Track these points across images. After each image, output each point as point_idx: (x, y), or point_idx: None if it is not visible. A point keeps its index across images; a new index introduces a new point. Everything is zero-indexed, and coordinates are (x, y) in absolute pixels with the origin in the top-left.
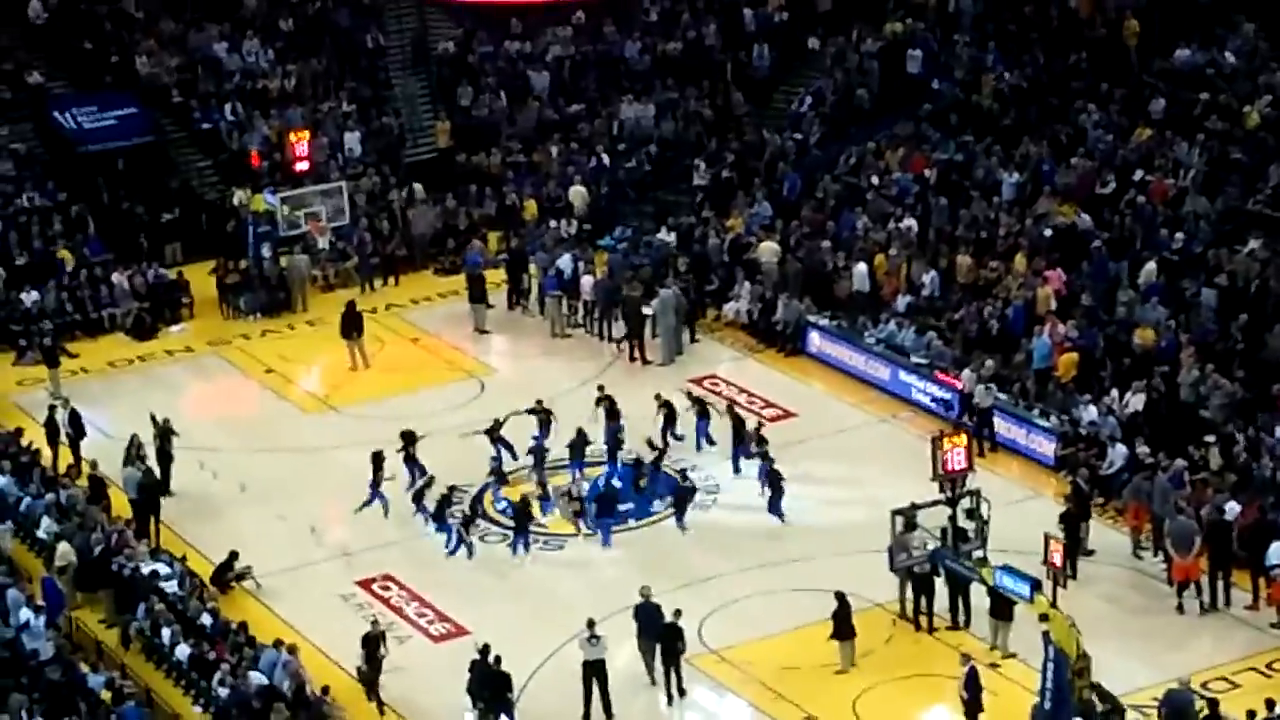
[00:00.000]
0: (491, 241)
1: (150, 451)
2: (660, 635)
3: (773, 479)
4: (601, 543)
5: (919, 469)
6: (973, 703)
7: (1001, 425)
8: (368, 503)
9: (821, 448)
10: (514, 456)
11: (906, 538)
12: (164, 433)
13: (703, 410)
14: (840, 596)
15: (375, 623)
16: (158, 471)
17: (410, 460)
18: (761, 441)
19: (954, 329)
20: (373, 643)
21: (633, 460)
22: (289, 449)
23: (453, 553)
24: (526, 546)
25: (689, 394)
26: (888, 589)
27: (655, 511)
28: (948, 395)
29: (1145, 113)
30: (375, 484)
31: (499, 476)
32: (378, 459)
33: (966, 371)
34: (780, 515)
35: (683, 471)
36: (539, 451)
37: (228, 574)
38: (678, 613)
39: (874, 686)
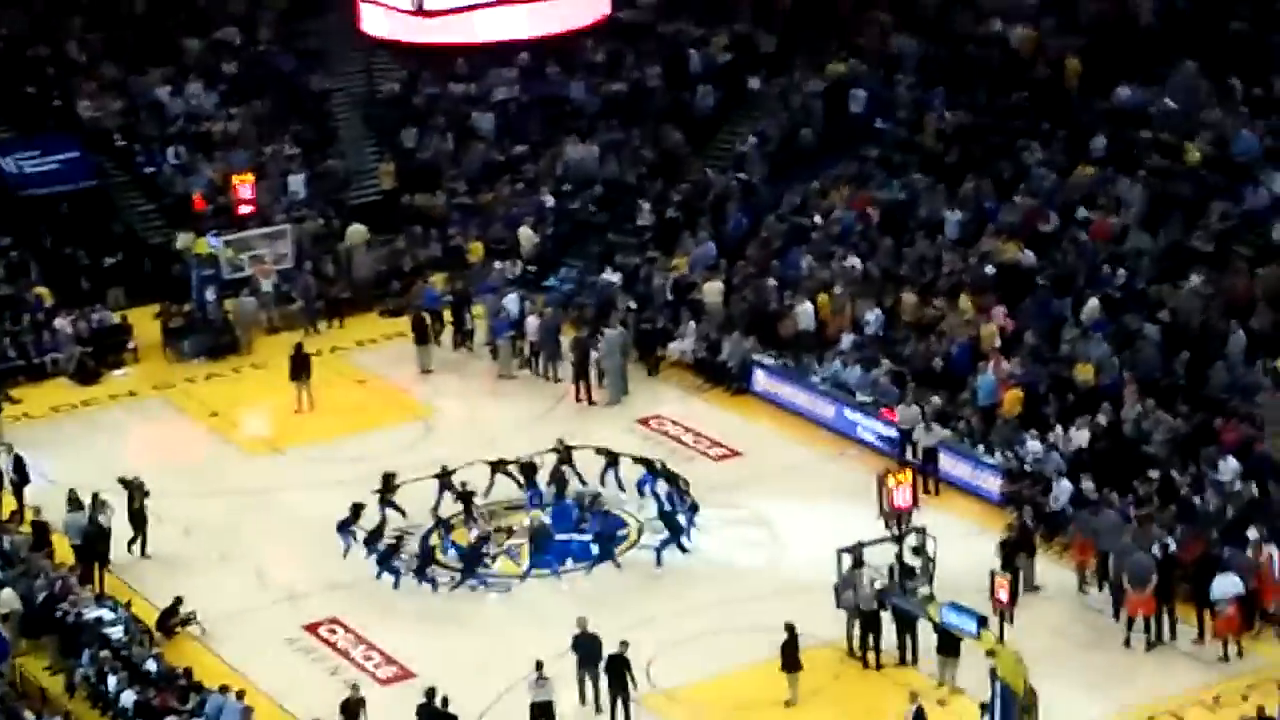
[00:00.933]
0: (437, 282)
1: (115, 510)
2: (607, 665)
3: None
4: (523, 576)
5: (865, 506)
6: None
7: (947, 462)
8: (347, 546)
9: (768, 486)
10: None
11: (853, 575)
12: (136, 490)
13: (613, 459)
14: (789, 628)
15: (355, 688)
16: (132, 532)
17: (387, 504)
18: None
19: (900, 365)
20: (352, 709)
21: (576, 498)
22: (235, 492)
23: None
24: (483, 585)
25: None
26: (835, 626)
27: (595, 553)
28: (893, 433)
29: (1087, 151)
30: (344, 525)
31: (440, 521)
32: (356, 510)
33: (901, 408)
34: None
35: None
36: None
37: (172, 619)
38: (624, 644)
39: None
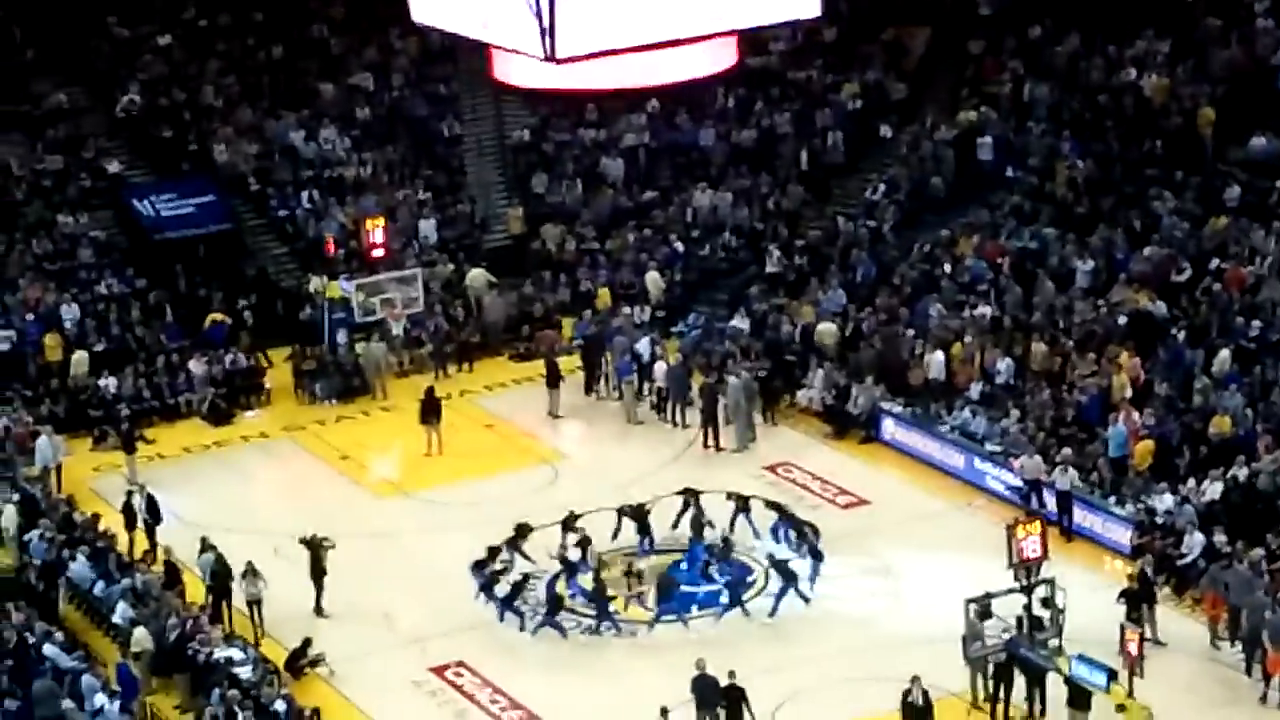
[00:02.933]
0: (566, 328)
1: (266, 583)
2: (723, 697)
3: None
4: (651, 623)
5: (994, 557)
6: None
7: (1078, 513)
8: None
9: (895, 535)
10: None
11: (981, 626)
12: (319, 548)
13: (744, 504)
14: (914, 680)
15: None
16: (314, 589)
17: (516, 550)
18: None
19: (1029, 415)
20: None
21: (707, 547)
22: (363, 534)
23: (534, 632)
24: (614, 627)
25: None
26: (962, 678)
27: (722, 601)
28: (1022, 483)
29: (1220, 201)
30: (478, 566)
31: (567, 564)
32: (492, 553)
33: (1024, 458)
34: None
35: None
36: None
37: (301, 660)
38: (731, 674)
39: None
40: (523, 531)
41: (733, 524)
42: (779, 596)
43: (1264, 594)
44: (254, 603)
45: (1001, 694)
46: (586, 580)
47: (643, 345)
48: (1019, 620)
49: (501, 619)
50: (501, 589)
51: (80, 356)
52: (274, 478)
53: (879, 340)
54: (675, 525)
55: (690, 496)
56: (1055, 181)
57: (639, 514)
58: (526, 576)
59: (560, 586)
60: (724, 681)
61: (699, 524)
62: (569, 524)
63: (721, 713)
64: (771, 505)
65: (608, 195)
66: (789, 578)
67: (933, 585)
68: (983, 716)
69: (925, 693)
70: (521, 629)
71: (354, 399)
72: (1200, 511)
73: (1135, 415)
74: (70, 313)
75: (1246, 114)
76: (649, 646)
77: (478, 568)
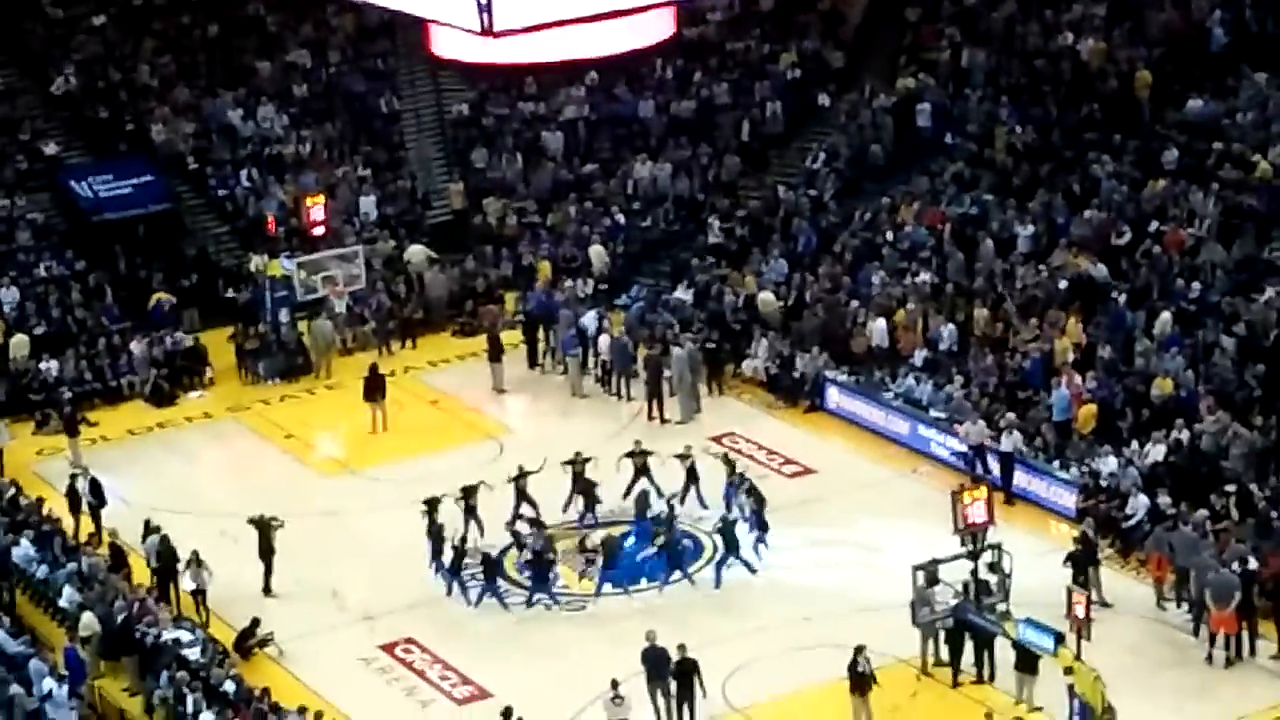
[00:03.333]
0: (509, 302)
1: (212, 574)
2: (674, 672)
3: (759, 522)
4: (596, 592)
5: (940, 523)
6: None
7: (1022, 478)
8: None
9: (842, 503)
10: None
11: (929, 592)
12: (264, 526)
13: (693, 471)
14: (857, 650)
15: None
16: (263, 568)
17: (469, 511)
18: (742, 482)
19: (972, 381)
20: None
21: (653, 517)
22: (310, 513)
23: (476, 603)
24: (553, 601)
25: (724, 456)
26: (912, 644)
27: (668, 573)
28: (967, 449)
29: (1159, 163)
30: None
31: (517, 539)
32: (432, 504)
33: (968, 424)
34: (749, 563)
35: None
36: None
37: (250, 640)
38: (682, 647)
39: None
40: (469, 492)
41: (684, 496)
42: (719, 565)
43: (1209, 555)
44: (199, 592)
45: (950, 659)
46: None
47: (588, 319)
48: (966, 586)
49: (449, 593)
50: (447, 557)
51: (20, 340)
52: (219, 458)
53: (822, 309)
54: (626, 495)
55: (640, 460)
56: (994, 147)
57: (586, 486)
58: (465, 544)
59: (509, 560)
60: (675, 655)
61: (644, 499)
62: (519, 481)
63: (673, 684)
64: (727, 461)
65: (548, 169)
66: (731, 546)
67: (880, 552)
68: (933, 683)
69: (868, 660)
70: (469, 603)
71: (298, 378)
72: (1144, 474)
73: (1078, 379)
74: (9, 296)
75: (1183, 77)
76: (598, 619)
77: (433, 535)
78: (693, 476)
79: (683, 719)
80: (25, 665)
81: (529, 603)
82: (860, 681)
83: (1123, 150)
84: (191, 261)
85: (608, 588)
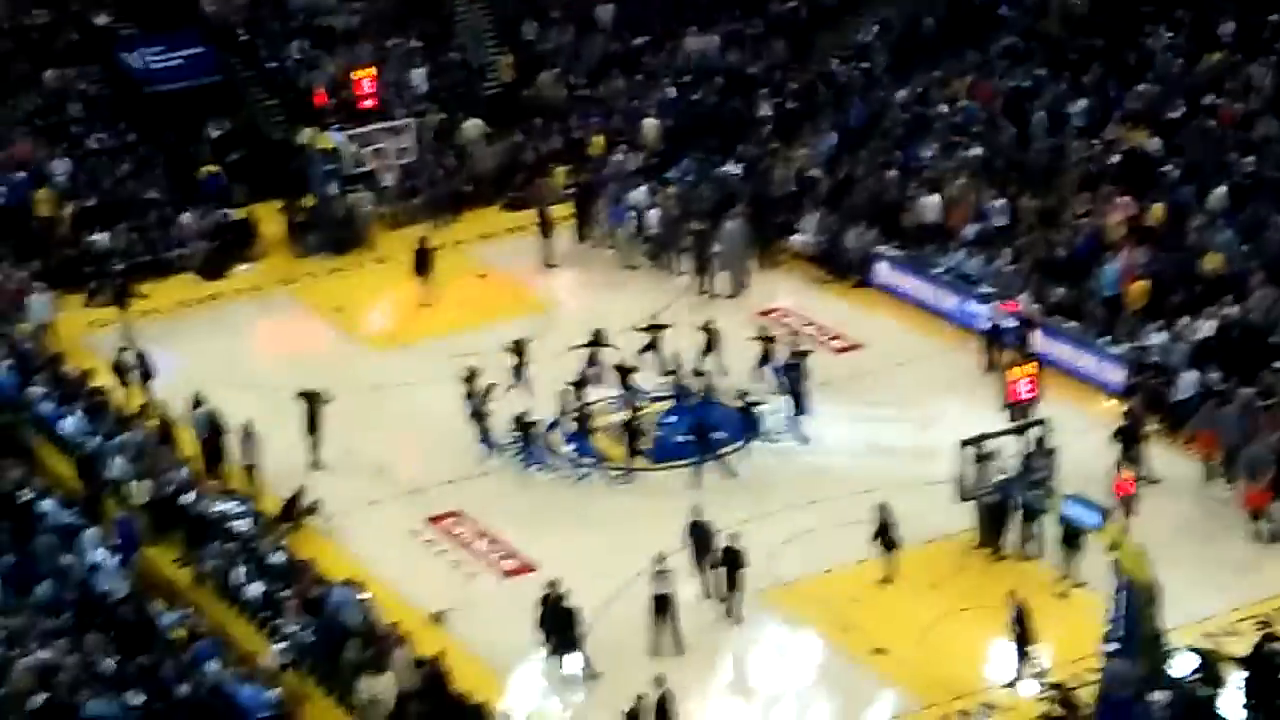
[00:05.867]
0: (559, 176)
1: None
2: (721, 560)
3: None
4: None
5: (988, 399)
6: (1022, 637)
7: (1070, 353)
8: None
9: (890, 379)
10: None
11: (976, 468)
12: (312, 399)
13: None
14: (881, 507)
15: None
16: (311, 444)
17: (519, 368)
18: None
19: (1023, 256)
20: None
21: (694, 393)
22: (358, 386)
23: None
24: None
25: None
26: (957, 519)
27: (717, 446)
28: (1015, 324)
29: (1215, 35)
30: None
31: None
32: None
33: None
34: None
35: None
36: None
37: (295, 508)
38: (733, 537)
39: (944, 617)
40: (519, 348)
41: (755, 371)
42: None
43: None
44: (249, 466)
45: (995, 534)
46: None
47: (639, 193)
48: (1014, 461)
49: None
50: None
51: (71, 211)
52: (268, 332)
53: (872, 183)
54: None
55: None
56: (1048, 19)
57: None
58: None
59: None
60: (725, 543)
61: (679, 376)
62: (597, 343)
63: (718, 561)
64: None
65: (598, 41)
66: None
67: (927, 428)
68: (979, 558)
69: (887, 516)
70: (528, 467)
71: (347, 251)
72: (1193, 349)
73: (1134, 252)
74: (61, 168)
75: None
76: (646, 494)
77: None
78: (765, 353)
79: (729, 596)
80: (77, 536)
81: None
82: (881, 538)
83: (1178, 23)
84: (241, 134)
85: (649, 462)
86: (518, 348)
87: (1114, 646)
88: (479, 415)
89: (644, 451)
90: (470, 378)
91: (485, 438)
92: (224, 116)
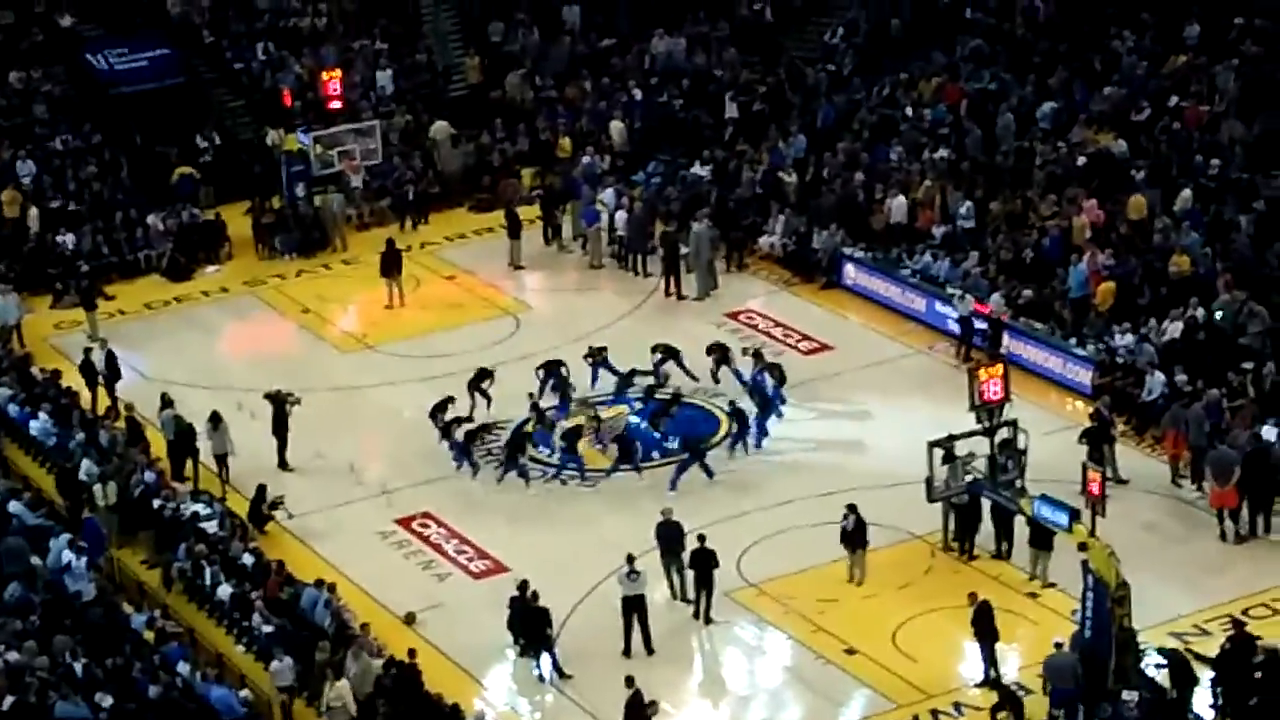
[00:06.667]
0: (526, 177)
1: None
2: (691, 561)
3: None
4: (609, 469)
5: (956, 400)
6: (985, 635)
7: (1039, 354)
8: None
9: (858, 380)
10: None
11: (944, 469)
12: (280, 401)
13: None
14: (850, 508)
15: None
16: (276, 444)
17: (480, 393)
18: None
19: (988, 259)
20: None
21: (660, 397)
22: (326, 388)
23: (500, 479)
24: (578, 475)
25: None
26: (927, 520)
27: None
28: (984, 325)
29: (1180, 39)
30: (434, 413)
31: (538, 414)
32: (445, 402)
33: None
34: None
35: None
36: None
37: (260, 506)
38: (701, 538)
39: (914, 618)
40: (482, 375)
41: (715, 375)
42: (733, 443)
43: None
44: (220, 456)
45: (964, 535)
46: (559, 427)
47: (608, 195)
48: (982, 461)
49: (458, 467)
50: (459, 435)
51: (37, 213)
52: (235, 333)
53: (840, 185)
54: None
55: (664, 353)
56: (1014, 22)
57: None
58: (485, 426)
59: (529, 429)
60: (693, 544)
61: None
62: (550, 369)
63: (686, 562)
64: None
65: (565, 43)
66: (744, 424)
67: (896, 428)
68: (948, 559)
69: (859, 519)
70: (474, 477)
71: (314, 253)
72: (1160, 351)
73: (1096, 256)
74: (26, 169)
75: None
76: (613, 496)
77: (435, 413)
78: (722, 357)
79: (699, 598)
80: (45, 537)
81: (558, 476)
82: (848, 538)
83: (1144, 25)
84: (207, 135)
85: (622, 467)
86: (483, 377)
87: (1084, 646)
88: (447, 435)
89: (623, 457)
90: (443, 406)
91: (458, 455)
92: (198, 122)
